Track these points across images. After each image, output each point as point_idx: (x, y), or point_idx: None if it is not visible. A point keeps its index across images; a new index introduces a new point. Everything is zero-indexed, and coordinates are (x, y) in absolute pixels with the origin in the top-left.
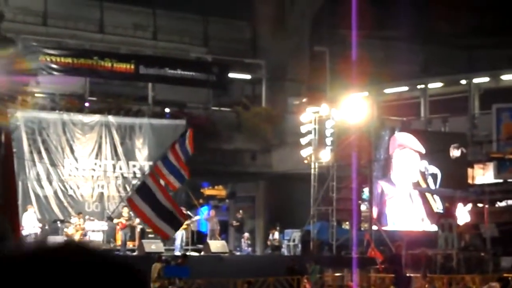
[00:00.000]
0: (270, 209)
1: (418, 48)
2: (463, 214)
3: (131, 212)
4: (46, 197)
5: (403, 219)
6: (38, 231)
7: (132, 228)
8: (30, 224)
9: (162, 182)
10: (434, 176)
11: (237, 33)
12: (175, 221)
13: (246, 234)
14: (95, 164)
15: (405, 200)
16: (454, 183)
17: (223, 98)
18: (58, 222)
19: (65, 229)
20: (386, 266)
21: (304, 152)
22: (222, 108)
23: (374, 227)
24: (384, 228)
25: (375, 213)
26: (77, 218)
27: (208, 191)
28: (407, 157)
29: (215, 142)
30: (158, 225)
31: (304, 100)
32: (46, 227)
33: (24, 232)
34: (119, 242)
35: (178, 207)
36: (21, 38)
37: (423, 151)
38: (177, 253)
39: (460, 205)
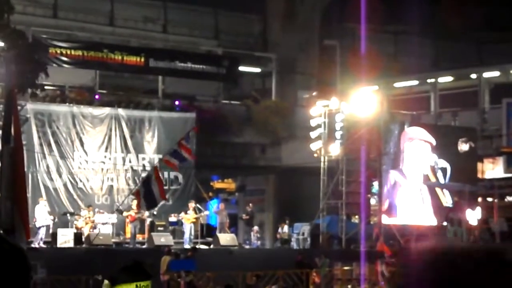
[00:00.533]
0: (279, 202)
1: (428, 42)
2: (472, 218)
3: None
4: (56, 189)
5: (413, 211)
6: (50, 223)
7: (142, 221)
8: (41, 216)
9: (166, 174)
10: (443, 170)
11: (248, 27)
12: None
13: (256, 228)
14: (105, 157)
15: (415, 193)
16: (464, 177)
17: (233, 91)
18: (68, 214)
19: (75, 222)
20: (394, 261)
21: (314, 146)
22: (232, 101)
23: (384, 220)
24: (393, 219)
25: (386, 205)
26: (86, 210)
27: (217, 184)
28: (418, 148)
29: (225, 135)
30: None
31: (314, 93)
32: (56, 219)
33: (37, 224)
34: (128, 235)
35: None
36: (31, 31)
37: (433, 142)
38: (186, 246)
39: (469, 210)
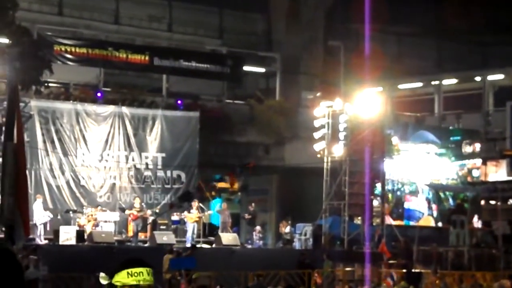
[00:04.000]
0: (282, 202)
1: (432, 44)
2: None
3: (143, 203)
4: (58, 187)
5: (420, 213)
6: (48, 220)
7: (144, 219)
8: (39, 213)
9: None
10: (443, 172)
11: (252, 26)
12: None
13: (258, 227)
14: (108, 154)
15: (423, 196)
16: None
17: (237, 90)
18: (71, 212)
19: (77, 219)
20: (396, 262)
21: (317, 146)
22: (236, 101)
23: (387, 222)
24: (398, 222)
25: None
26: (91, 208)
27: (220, 184)
28: (424, 151)
29: (228, 134)
30: None
31: (318, 94)
32: (59, 217)
33: (35, 221)
34: (130, 233)
35: None
36: (36, 28)
37: (439, 143)
38: (188, 244)
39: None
